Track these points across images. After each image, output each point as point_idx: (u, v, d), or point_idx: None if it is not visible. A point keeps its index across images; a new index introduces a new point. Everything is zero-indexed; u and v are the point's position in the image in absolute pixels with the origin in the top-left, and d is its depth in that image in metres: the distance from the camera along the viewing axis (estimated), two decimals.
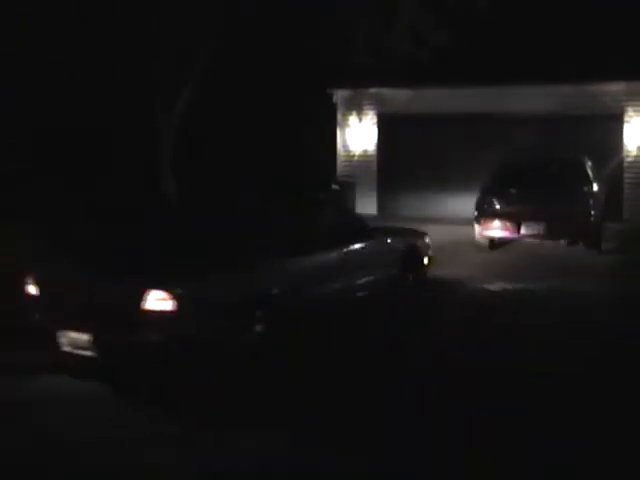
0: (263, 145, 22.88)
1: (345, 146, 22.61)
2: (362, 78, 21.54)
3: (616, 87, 20.48)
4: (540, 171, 17.27)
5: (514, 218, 15.97)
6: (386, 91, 22.10)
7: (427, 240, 12.67)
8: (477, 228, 16.42)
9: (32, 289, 9.39)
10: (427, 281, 12.55)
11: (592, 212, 16.00)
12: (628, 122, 20.57)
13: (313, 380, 8.82)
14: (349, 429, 7.49)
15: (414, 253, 12.19)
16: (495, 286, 13.45)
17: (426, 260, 12.45)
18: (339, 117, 22.65)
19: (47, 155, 20.75)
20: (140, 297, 8.43)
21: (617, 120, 20.55)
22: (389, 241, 11.97)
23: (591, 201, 16.21)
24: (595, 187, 16.78)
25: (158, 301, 8.43)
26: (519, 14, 20.79)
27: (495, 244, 16.54)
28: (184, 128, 19.44)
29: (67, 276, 9.36)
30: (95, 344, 8.71)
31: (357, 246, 11.10)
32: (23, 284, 9.45)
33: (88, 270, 9.37)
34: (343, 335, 10.28)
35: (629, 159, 20.67)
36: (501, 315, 11.56)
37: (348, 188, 20.84)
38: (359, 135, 22.45)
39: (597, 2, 20.36)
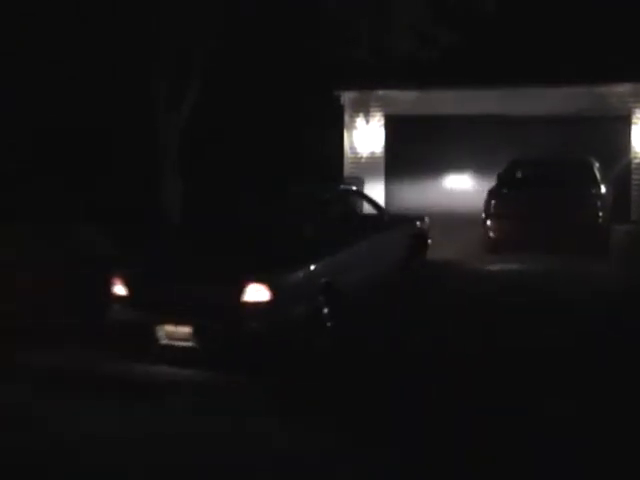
0: (269, 147, 22.83)
1: (352, 148, 22.57)
2: (369, 80, 21.50)
3: (623, 88, 20.40)
4: (547, 173, 17.21)
5: (521, 220, 15.90)
6: (393, 93, 22.06)
7: (428, 223, 14.08)
8: (484, 228, 16.38)
9: (121, 290, 10.13)
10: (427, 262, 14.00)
11: (600, 214, 15.91)
12: (636, 124, 20.48)
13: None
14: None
15: (421, 236, 13.75)
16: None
17: (429, 241, 14.01)
18: (346, 119, 22.61)
19: (47, 155, 20.86)
20: (240, 290, 9.46)
21: (625, 121, 20.46)
22: (404, 228, 13.42)
23: (599, 203, 16.12)
24: (603, 189, 16.68)
25: (256, 293, 9.46)
26: (525, 16, 20.72)
27: (501, 244, 16.42)
28: (187, 129, 19.43)
29: (161, 275, 10.26)
30: (196, 335, 9.64)
31: (383, 234, 12.57)
32: (110, 286, 10.17)
33: (183, 268, 10.34)
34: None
35: (637, 160, 20.55)
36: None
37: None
38: (366, 137, 22.42)
39: (604, 3, 20.29)
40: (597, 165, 17.31)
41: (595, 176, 16.83)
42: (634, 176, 20.55)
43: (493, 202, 16.49)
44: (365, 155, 22.38)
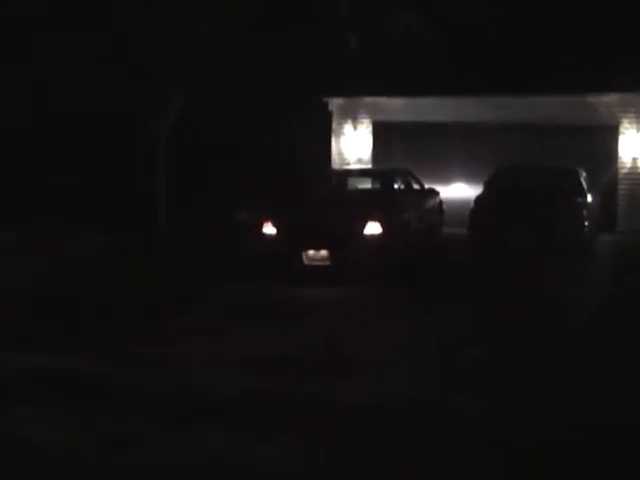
0: (257, 153, 22.72)
1: (340, 154, 22.57)
2: (357, 87, 21.53)
3: (611, 99, 20.43)
4: (534, 181, 17.20)
5: (507, 228, 15.86)
6: (381, 100, 22.06)
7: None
8: (470, 236, 16.36)
9: (271, 230, 14.53)
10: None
11: (585, 223, 15.91)
12: (623, 134, 20.51)
13: None
14: None
15: (441, 204, 19.14)
16: None
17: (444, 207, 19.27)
18: (334, 126, 22.61)
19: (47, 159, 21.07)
20: (363, 226, 14.07)
21: (612, 131, 20.50)
22: (436, 196, 18.81)
23: (585, 212, 16.12)
24: (589, 198, 16.71)
25: (374, 228, 14.07)
26: (515, 24, 20.75)
27: (487, 251, 16.38)
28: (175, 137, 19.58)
29: (301, 218, 14.85)
30: (331, 257, 13.95)
31: (430, 200, 18.21)
32: (262, 228, 14.58)
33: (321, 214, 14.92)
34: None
35: (624, 170, 20.59)
36: None
37: None
38: (354, 143, 22.42)
39: (593, 14, 20.33)
40: (584, 174, 17.33)
41: (582, 185, 16.85)
42: (621, 186, 20.58)
43: (478, 209, 16.48)
44: (353, 161, 22.37)
